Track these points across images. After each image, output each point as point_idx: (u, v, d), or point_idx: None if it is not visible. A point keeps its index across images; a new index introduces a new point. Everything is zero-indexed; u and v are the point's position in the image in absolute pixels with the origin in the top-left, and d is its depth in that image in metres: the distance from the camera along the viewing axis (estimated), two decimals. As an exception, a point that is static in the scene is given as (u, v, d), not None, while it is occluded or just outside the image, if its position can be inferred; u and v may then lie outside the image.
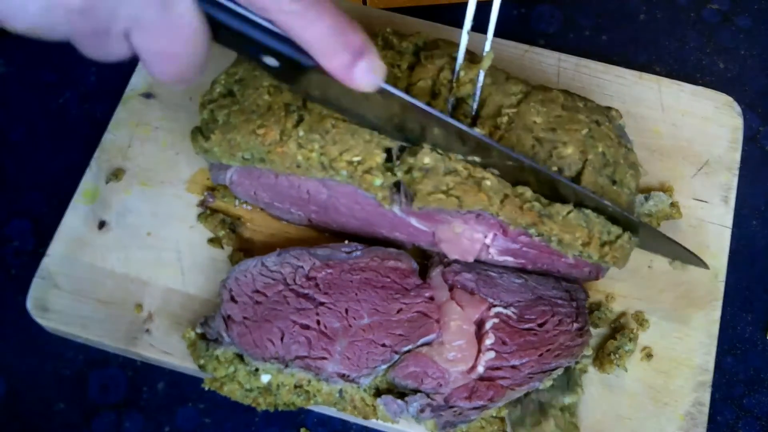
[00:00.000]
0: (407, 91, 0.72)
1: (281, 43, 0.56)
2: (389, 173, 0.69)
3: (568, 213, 0.69)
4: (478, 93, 0.73)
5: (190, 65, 0.54)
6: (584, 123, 0.72)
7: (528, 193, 0.69)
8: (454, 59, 0.73)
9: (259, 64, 0.58)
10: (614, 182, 0.71)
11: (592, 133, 0.72)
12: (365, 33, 0.55)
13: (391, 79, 0.73)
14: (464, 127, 0.66)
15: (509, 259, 0.74)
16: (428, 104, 0.68)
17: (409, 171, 0.68)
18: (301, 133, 0.69)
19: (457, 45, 0.73)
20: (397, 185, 0.70)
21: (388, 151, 0.69)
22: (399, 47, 0.76)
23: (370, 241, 0.76)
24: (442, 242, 0.73)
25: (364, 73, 0.56)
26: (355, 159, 0.68)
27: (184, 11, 0.51)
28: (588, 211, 0.69)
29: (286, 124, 0.69)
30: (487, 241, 0.72)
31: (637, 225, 0.71)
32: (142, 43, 0.52)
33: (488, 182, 0.68)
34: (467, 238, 0.72)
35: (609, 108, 0.75)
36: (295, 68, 0.57)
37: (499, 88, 0.73)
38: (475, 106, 0.73)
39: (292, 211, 0.77)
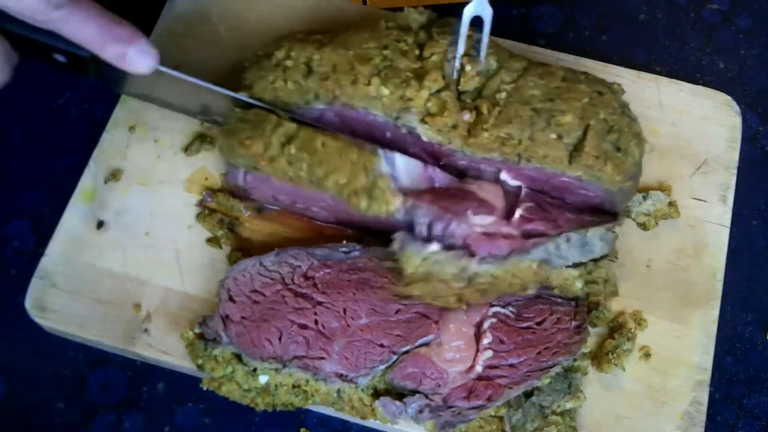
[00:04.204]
0: (419, 64, 0.73)
1: (63, 42, 0.65)
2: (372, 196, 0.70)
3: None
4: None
5: None
6: (585, 93, 0.73)
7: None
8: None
9: (50, 63, 0.67)
10: (618, 149, 0.72)
11: (594, 101, 0.72)
12: (132, 26, 0.65)
13: (396, 52, 0.73)
14: (243, 98, 0.73)
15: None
16: (443, 77, 0.71)
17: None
18: (293, 150, 0.71)
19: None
20: None
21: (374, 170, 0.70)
22: (402, 24, 0.76)
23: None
24: None
25: (136, 57, 0.65)
26: (342, 181, 0.70)
27: None
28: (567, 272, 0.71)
29: (271, 138, 0.71)
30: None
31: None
32: None
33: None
34: None
35: (611, 83, 0.76)
36: (80, 61, 0.67)
37: (502, 67, 0.74)
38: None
39: (314, 209, 0.77)
